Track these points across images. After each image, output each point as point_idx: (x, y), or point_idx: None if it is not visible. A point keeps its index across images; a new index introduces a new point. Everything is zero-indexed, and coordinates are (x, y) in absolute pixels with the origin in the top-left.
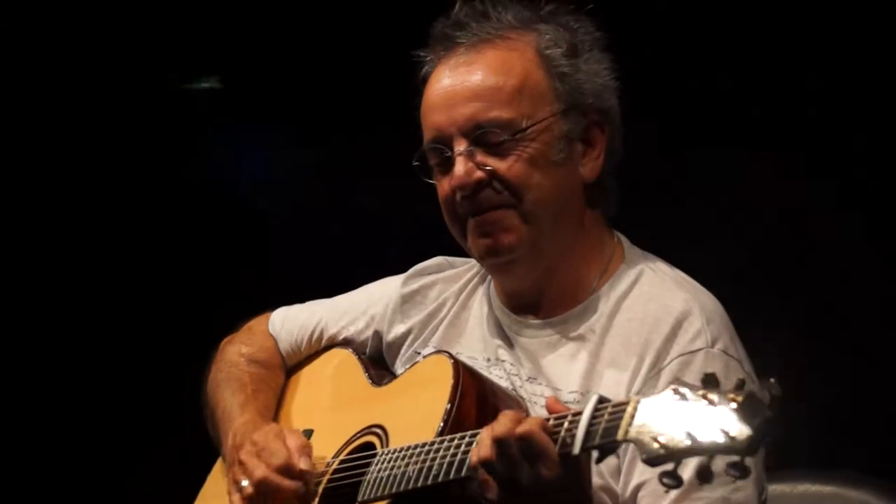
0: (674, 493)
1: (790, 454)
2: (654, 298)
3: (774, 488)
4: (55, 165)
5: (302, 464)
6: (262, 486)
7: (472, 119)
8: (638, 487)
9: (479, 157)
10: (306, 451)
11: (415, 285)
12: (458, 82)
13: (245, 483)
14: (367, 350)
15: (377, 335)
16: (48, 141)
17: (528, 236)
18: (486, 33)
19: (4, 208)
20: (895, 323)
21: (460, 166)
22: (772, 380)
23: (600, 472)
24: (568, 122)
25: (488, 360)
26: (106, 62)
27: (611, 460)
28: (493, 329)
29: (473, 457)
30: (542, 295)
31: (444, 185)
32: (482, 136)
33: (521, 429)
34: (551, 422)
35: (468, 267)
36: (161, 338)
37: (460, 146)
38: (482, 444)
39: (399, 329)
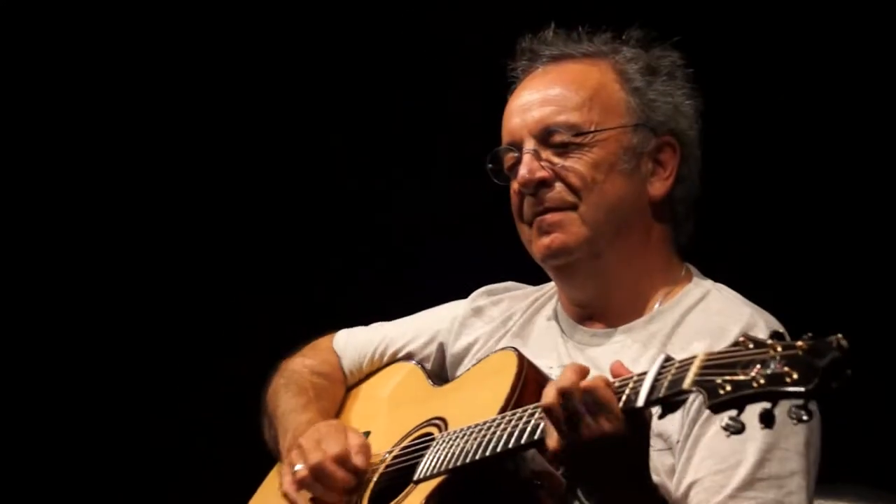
0: (727, 491)
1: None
2: (721, 313)
3: None
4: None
5: (357, 460)
6: (315, 472)
7: (541, 122)
8: (691, 485)
9: (545, 157)
10: (364, 449)
11: (483, 301)
12: (535, 90)
13: (300, 467)
14: (430, 364)
15: (441, 348)
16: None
17: (586, 239)
18: (571, 51)
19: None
20: None
21: (525, 164)
22: (839, 334)
23: (656, 470)
24: (637, 136)
25: (550, 367)
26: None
27: (667, 459)
28: (557, 338)
29: (541, 403)
30: (606, 307)
31: (513, 186)
32: (548, 137)
33: (585, 382)
34: (616, 383)
35: (536, 288)
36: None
37: (528, 146)
38: (546, 394)
39: (465, 340)
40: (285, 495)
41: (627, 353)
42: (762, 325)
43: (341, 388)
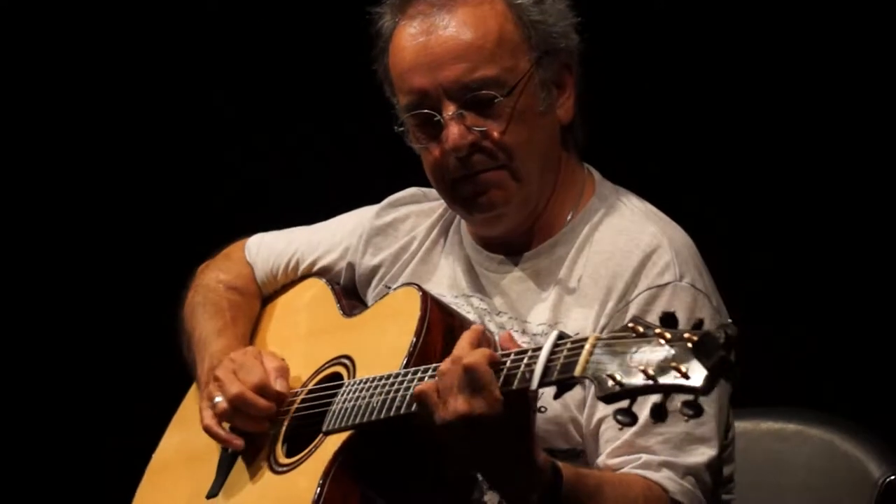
0: (635, 428)
1: (754, 392)
2: (624, 232)
3: (737, 425)
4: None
5: (278, 385)
6: (236, 402)
7: (458, 81)
8: (601, 420)
9: (470, 120)
10: (283, 373)
11: (388, 217)
12: (437, 43)
13: (219, 399)
14: (342, 280)
15: (350, 267)
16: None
17: (518, 192)
18: None
19: None
20: (861, 263)
21: (454, 129)
22: (729, 320)
23: (567, 405)
24: (543, 68)
25: (456, 296)
26: None
27: (577, 393)
28: (464, 266)
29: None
30: (518, 234)
31: (433, 150)
32: (473, 99)
33: (467, 359)
34: (511, 356)
35: (441, 202)
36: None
37: (449, 110)
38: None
39: (370, 262)
40: (206, 429)
41: (535, 282)
42: (665, 245)
43: (256, 301)
